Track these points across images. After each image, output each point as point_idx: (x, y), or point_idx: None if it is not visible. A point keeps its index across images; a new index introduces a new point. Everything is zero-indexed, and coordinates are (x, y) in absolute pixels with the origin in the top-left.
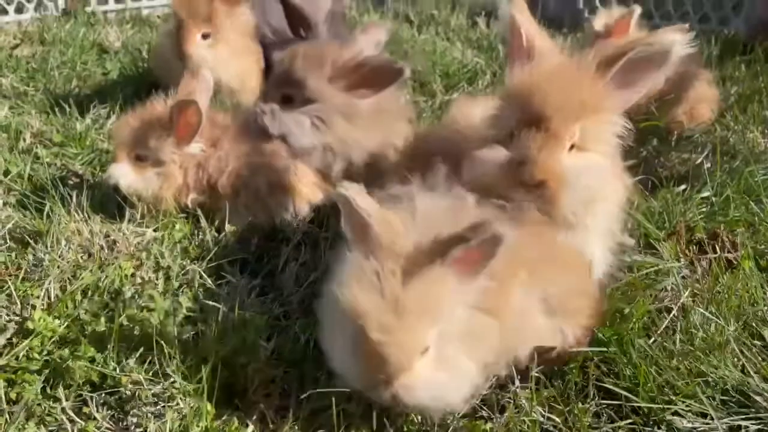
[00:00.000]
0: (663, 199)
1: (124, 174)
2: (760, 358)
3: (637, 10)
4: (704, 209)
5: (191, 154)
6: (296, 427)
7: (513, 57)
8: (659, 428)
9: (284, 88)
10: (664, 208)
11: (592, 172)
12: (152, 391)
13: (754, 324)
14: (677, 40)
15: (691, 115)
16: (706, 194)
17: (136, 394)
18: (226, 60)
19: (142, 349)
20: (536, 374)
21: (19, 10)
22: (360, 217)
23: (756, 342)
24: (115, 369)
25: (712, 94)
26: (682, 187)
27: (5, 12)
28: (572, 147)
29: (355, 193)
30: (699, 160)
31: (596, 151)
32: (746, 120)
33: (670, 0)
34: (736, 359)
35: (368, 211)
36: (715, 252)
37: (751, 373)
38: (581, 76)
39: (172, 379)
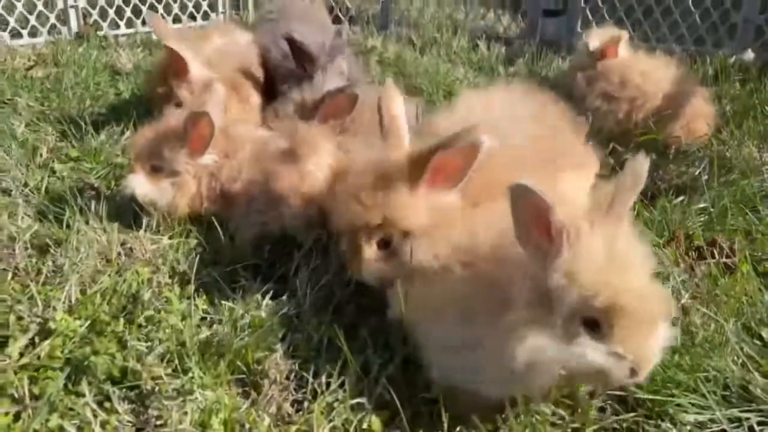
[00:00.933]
0: (662, 208)
1: (140, 184)
2: (759, 356)
3: (625, 35)
4: (702, 219)
5: (204, 164)
6: (312, 420)
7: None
8: (663, 421)
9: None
10: (663, 217)
11: None
12: (172, 386)
13: (752, 324)
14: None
15: (688, 130)
16: (703, 205)
17: (157, 388)
18: None
19: (160, 347)
20: None
21: (33, 33)
22: None
23: (756, 341)
24: (135, 364)
25: (709, 110)
26: (681, 198)
27: (20, 35)
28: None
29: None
30: (696, 173)
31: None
32: (742, 135)
33: (666, 23)
34: (736, 357)
35: None
36: (713, 257)
37: (752, 369)
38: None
39: (191, 374)
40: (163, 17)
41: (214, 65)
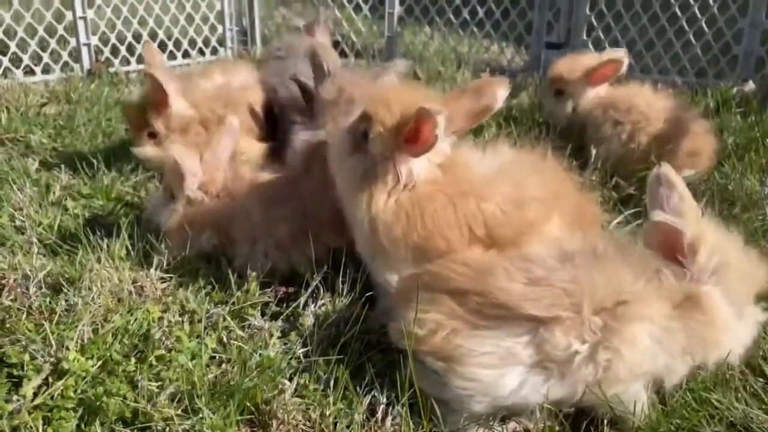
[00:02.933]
0: None
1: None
2: (763, 393)
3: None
4: None
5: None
6: None
7: None
8: None
9: None
10: None
11: None
12: (182, 426)
13: (757, 363)
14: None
15: (691, 153)
16: None
17: (167, 428)
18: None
19: (171, 388)
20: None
21: (46, 70)
22: None
23: (759, 379)
24: (146, 405)
25: (709, 136)
26: None
27: (33, 73)
28: None
29: None
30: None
31: None
32: (743, 168)
33: (668, 55)
34: (739, 395)
35: None
36: None
37: (755, 408)
38: None
39: (200, 415)
40: (173, 52)
41: (200, 104)
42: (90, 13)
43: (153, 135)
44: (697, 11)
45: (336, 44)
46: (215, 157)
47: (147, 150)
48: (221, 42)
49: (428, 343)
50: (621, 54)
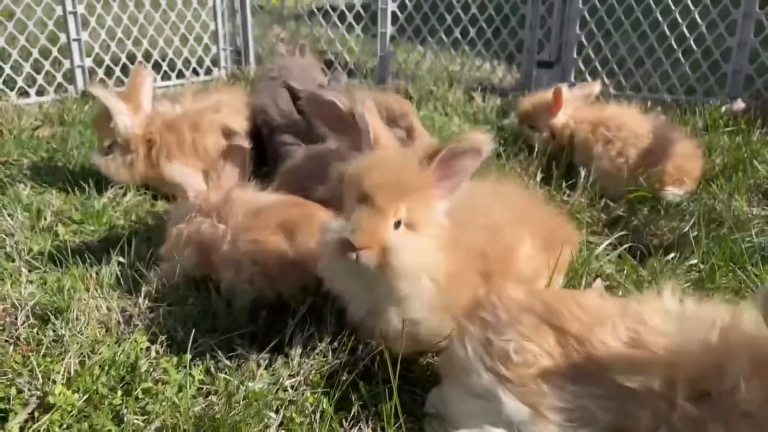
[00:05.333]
0: (652, 267)
1: None
2: None
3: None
4: (692, 276)
5: None
6: None
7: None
8: None
9: None
10: (653, 276)
11: (417, 248)
12: None
13: None
14: (483, 138)
15: (680, 169)
16: (693, 262)
17: None
18: None
19: (157, 422)
20: None
21: (40, 92)
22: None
23: None
24: None
25: (697, 163)
26: (671, 255)
27: (27, 95)
28: (400, 225)
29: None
30: (686, 229)
31: (424, 233)
32: (731, 189)
33: (657, 73)
34: None
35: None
36: None
37: None
38: (403, 163)
39: None
40: (167, 72)
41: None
42: (84, 35)
43: (110, 148)
44: (685, 30)
45: (329, 63)
46: (220, 178)
47: (100, 162)
48: (215, 62)
49: (516, 372)
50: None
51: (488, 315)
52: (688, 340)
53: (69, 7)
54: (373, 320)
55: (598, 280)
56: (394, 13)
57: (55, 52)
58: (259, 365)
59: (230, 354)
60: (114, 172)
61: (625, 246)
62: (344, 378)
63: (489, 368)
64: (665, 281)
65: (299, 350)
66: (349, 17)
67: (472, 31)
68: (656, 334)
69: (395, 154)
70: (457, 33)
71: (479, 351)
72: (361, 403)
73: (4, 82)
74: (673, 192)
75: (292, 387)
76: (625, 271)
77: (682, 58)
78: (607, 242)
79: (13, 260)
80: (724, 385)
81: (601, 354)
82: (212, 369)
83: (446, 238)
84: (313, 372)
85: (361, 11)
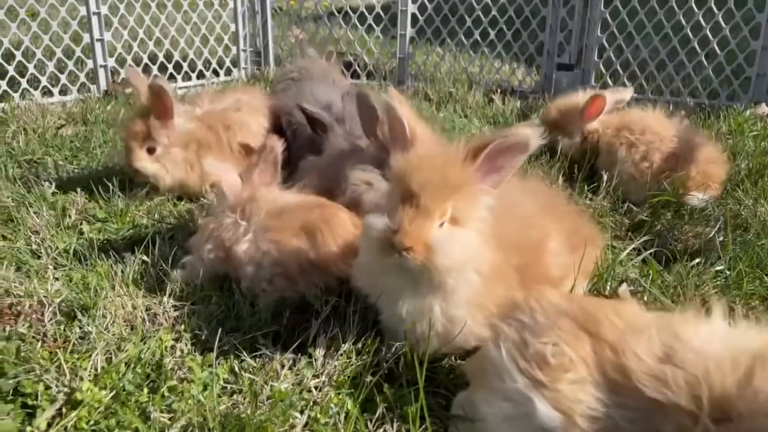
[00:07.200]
0: (677, 273)
1: None
2: None
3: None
4: (718, 282)
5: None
6: None
7: (396, 143)
8: None
9: None
10: (678, 282)
11: (461, 244)
12: None
13: None
14: (531, 133)
15: (704, 174)
16: (719, 267)
17: None
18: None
19: (183, 420)
20: None
21: (64, 92)
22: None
23: None
24: None
25: (722, 167)
26: (696, 260)
27: (50, 94)
28: (443, 223)
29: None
30: (712, 234)
31: (469, 227)
32: (757, 194)
33: (680, 76)
34: None
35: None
36: None
37: None
38: (449, 161)
39: None
40: (188, 73)
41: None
42: (107, 36)
43: (152, 150)
44: (709, 33)
45: (349, 65)
46: (252, 176)
47: (148, 165)
48: (235, 63)
49: (552, 375)
50: (605, 91)
51: (526, 317)
52: (721, 360)
53: (93, 8)
54: (414, 317)
55: (624, 285)
56: (413, 15)
57: (78, 51)
58: (282, 365)
59: (254, 354)
60: (165, 173)
61: (650, 251)
62: (369, 379)
63: (523, 371)
64: (692, 288)
65: (323, 351)
66: (369, 19)
67: (492, 33)
68: (692, 351)
69: (440, 150)
70: (476, 35)
71: (514, 353)
72: (386, 405)
73: (28, 82)
74: (697, 197)
75: (316, 387)
76: (650, 276)
77: (705, 62)
78: (631, 247)
79: (39, 257)
80: (747, 409)
81: (633, 365)
82: (236, 368)
83: (488, 232)
84: (337, 373)
85: (381, 13)
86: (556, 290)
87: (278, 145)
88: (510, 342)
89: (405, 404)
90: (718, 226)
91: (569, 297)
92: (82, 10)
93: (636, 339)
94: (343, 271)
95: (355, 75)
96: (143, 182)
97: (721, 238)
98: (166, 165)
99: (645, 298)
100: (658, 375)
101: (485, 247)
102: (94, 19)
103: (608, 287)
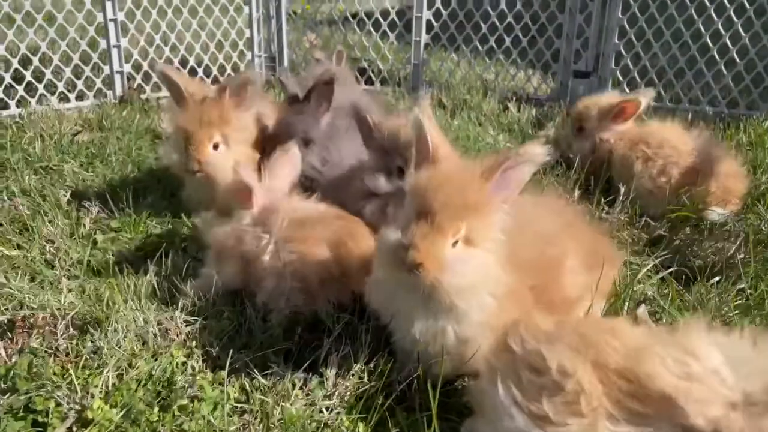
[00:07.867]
0: (698, 293)
1: None
2: None
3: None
4: (740, 301)
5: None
6: None
7: (418, 158)
8: None
9: None
10: (699, 302)
11: (474, 264)
12: None
13: None
14: (540, 152)
15: (724, 189)
16: (741, 286)
17: None
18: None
19: None
20: None
21: (80, 97)
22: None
23: None
24: None
25: (742, 182)
26: (717, 279)
27: (67, 99)
28: (457, 242)
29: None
30: (732, 250)
31: (482, 247)
32: None
33: (698, 85)
34: None
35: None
36: None
37: None
38: (467, 181)
39: None
40: (203, 79)
41: None
42: (123, 42)
43: (216, 146)
44: (728, 41)
45: (363, 71)
46: (273, 183)
47: (218, 160)
48: (249, 68)
49: (557, 410)
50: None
51: (517, 347)
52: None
53: (110, 14)
54: (426, 338)
55: (642, 306)
56: (428, 21)
57: (95, 57)
58: (294, 384)
59: (265, 372)
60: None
61: (670, 270)
62: (380, 402)
63: (522, 408)
64: (713, 309)
65: (334, 371)
66: (384, 25)
67: (508, 40)
68: (710, 370)
69: (460, 170)
70: (491, 42)
71: (511, 390)
72: (397, 430)
73: (45, 87)
74: (717, 212)
75: (327, 409)
76: (669, 296)
77: (724, 70)
78: (650, 265)
79: (53, 267)
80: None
81: (652, 388)
82: (247, 386)
83: (503, 252)
84: (349, 394)
85: (396, 19)
86: (545, 315)
87: (297, 151)
88: (505, 378)
89: (418, 430)
90: (738, 243)
91: (560, 322)
92: (99, 16)
93: (645, 361)
94: (360, 286)
95: (369, 81)
96: (199, 180)
97: (742, 255)
98: (228, 163)
99: (664, 320)
100: (685, 397)
101: (499, 268)
102: (111, 25)
103: (626, 307)
